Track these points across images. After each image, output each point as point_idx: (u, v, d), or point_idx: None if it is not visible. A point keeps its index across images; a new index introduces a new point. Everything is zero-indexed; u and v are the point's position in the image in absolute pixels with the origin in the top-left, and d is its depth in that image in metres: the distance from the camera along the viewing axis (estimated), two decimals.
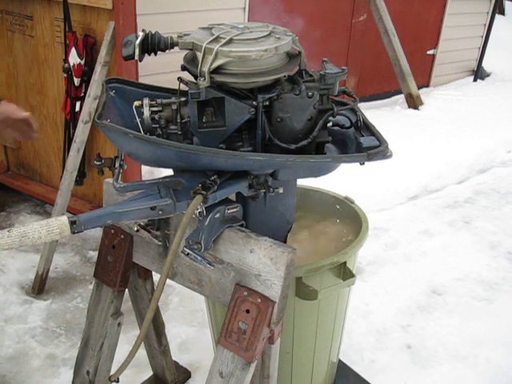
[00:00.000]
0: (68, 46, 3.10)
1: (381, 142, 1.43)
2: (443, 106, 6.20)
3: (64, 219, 1.24)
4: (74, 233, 1.25)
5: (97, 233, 3.55)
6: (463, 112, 6.05)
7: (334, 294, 1.86)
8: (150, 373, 2.36)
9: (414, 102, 6.04)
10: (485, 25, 7.44)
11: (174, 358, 2.32)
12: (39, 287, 3.13)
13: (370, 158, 1.38)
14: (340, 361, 2.36)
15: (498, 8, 7.75)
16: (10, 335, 2.80)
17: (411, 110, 6.02)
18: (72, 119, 3.29)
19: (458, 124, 5.67)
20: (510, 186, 4.72)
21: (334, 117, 1.49)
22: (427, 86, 7.08)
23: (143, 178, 3.31)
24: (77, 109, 3.20)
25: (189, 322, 2.89)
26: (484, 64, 7.70)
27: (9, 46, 3.70)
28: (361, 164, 1.42)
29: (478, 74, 7.62)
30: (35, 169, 3.99)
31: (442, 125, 5.61)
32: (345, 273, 1.80)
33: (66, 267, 3.39)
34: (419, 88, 6.24)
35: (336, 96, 1.50)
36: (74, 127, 3.21)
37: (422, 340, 2.80)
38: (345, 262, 1.78)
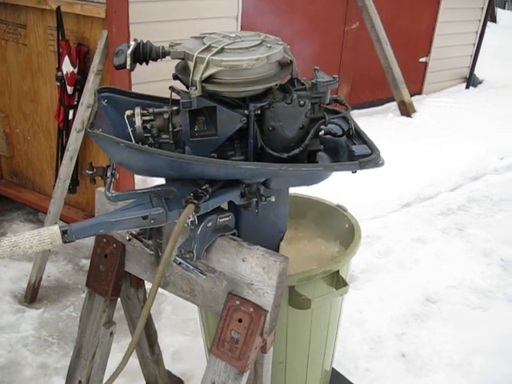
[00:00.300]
0: (61, 55, 3.10)
1: (373, 150, 1.43)
2: (436, 114, 6.23)
3: (55, 229, 1.23)
4: (65, 242, 1.25)
5: (89, 241, 3.52)
6: (456, 119, 6.08)
7: (327, 302, 1.85)
8: (142, 382, 2.35)
9: (406, 110, 6.07)
10: (477, 32, 7.49)
11: (166, 367, 2.31)
12: (32, 296, 3.12)
13: (362, 167, 1.38)
14: (334, 370, 2.35)
15: (490, 16, 7.81)
16: (2, 344, 2.78)
17: (404, 118, 6.05)
18: (65, 127, 3.28)
19: (450, 131, 5.69)
20: (503, 194, 4.74)
21: (325, 125, 1.49)
22: (420, 93, 7.11)
23: (136, 187, 3.31)
24: (70, 117, 3.20)
25: (182, 330, 2.88)
26: (476, 71, 7.75)
27: (2, 55, 3.69)
28: (353, 172, 1.42)
29: (471, 81, 7.67)
30: (28, 177, 3.98)
31: (434, 132, 5.64)
32: (338, 281, 1.79)
33: (58, 276, 3.37)
34: (412, 95, 6.27)
35: (328, 104, 1.50)
36: (67, 135, 3.21)
37: (417, 348, 2.80)
38: (338, 271, 1.78)
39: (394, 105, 6.24)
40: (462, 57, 7.59)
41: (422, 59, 6.98)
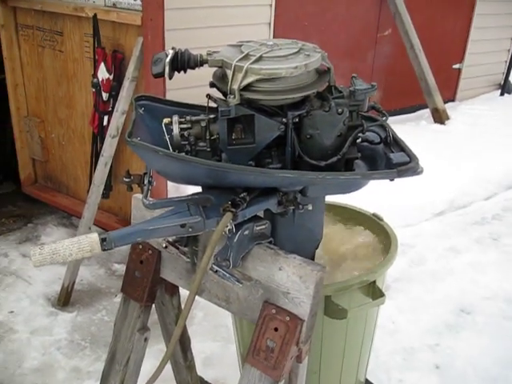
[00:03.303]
0: (97, 61, 3.15)
1: (411, 157, 1.40)
2: (470, 121, 6.14)
3: (94, 237, 1.24)
4: (104, 250, 1.25)
5: (122, 246, 3.57)
6: (490, 127, 5.98)
7: (362, 312, 1.83)
8: None
9: (440, 117, 6.00)
10: (511, 39, 7.38)
11: (198, 374, 2.31)
12: (65, 299, 3.16)
13: (400, 175, 1.36)
14: (367, 380, 2.32)
15: None
16: (35, 347, 2.82)
17: (437, 125, 5.98)
18: (100, 133, 3.33)
19: (484, 139, 5.61)
20: None
21: (363, 133, 1.48)
22: (453, 100, 7.02)
23: (169, 194, 3.33)
24: (104, 123, 3.24)
25: (213, 336, 2.88)
26: (510, 78, 7.63)
27: (39, 61, 3.76)
28: (390, 180, 1.41)
29: (505, 88, 7.55)
30: (62, 181, 4.03)
31: (468, 140, 5.55)
32: (374, 292, 1.77)
33: (91, 280, 3.41)
34: (445, 102, 6.20)
35: (365, 112, 1.49)
36: (102, 141, 3.24)
37: (451, 360, 2.75)
38: (374, 281, 1.76)
39: (426, 112, 6.17)
40: (497, 63, 7.48)
41: (456, 66, 6.89)
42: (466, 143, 5.46)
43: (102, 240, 1.25)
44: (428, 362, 2.74)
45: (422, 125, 5.98)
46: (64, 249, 1.22)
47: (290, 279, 1.38)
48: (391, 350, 2.79)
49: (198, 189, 1.47)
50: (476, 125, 6.03)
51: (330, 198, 1.77)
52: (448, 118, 6.05)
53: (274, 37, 4.61)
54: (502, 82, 7.60)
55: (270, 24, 4.64)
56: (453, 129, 5.88)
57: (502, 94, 7.53)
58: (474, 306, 3.19)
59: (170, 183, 3.34)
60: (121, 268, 3.43)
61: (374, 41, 5.84)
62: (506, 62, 7.55)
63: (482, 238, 4.01)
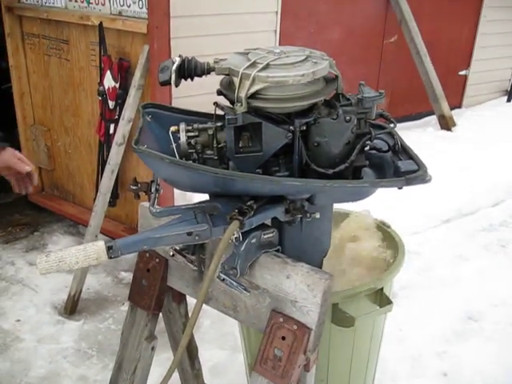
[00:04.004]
0: (103, 70, 3.15)
1: (419, 166, 1.39)
2: (476, 127, 6.13)
3: (101, 244, 1.24)
4: (110, 258, 1.25)
5: (129, 254, 3.57)
6: (497, 133, 5.96)
7: (370, 320, 1.83)
8: None
9: (446, 124, 5.98)
10: None
11: (205, 382, 2.30)
12: (71, 308, 3.16)
13: (409, 183, 1.35)
14: None
15: None
16: (42, 355, 2.82)
17: (444, 132, 5.97)
18: (106, 141, 3.33)
19: (492, 145, 5.58)
20: None
21: (371, 141, 1.47)
22: (459, 106, 7.01)
23: (176, 202, 3.33)
24: (111, 131, 3.25)
25: (220, 345, 2.87)
26: None
27: (45, 70, 3.78)
28: (399, 188, 1.40)
29: None
30: (69, 190, 4.04)
31: (475, 146, 5.54)
32: (381, 299, 1.76)
33: (98, 288, 3.41)
34: (451, 109, 6.18)
35: (373, 119, 1.48)
36: (108, 149, 3.25)
37: (459, 368, 2.73)
38: (381, 288, 1.75)
39: (433, 118, 6.15)
40: (503, 69, 7.47)
41: (462, 72, 6.88)
42: (472, 150, 5.44)
43: (109, 248, 1.24)
44: (435, 369, 2.73)
45: (429, 131, 5.97)
46: (70, 256, 1.21)
47: (298, 287, 1.37)
48: (398, 358, 2.77)
49: (205, 197, 1.47)
50: (483, 131, 6.01)
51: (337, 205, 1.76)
52: (455, 125, 6.04)
53: (279, 44, 4.62)
54: (509, 89, 7.58)
55: (276, 31, 4.65)
56: (460, 135, 5.86)
57: (508, 101, 7.51)
58: (481, 314, 3.17)
59: (176, 191, 3.33)
60: (128, 276, 3.43)
61: (380, 47, 5.84)
62: None
63: (489, 245, 3.99)
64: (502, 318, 3.14)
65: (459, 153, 5.33)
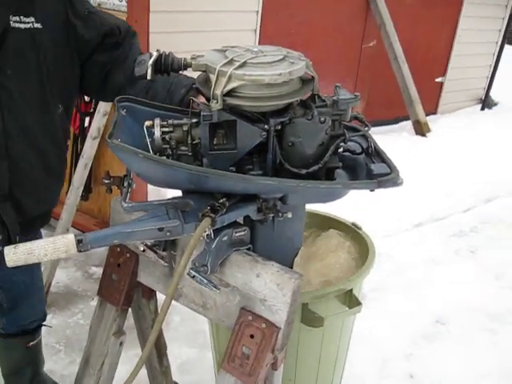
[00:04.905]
0: None
1: (392, 169, 1.41)
2: (450, 134, 6.22)
3: (70, 237, 1.23)
4: (80, 251, 1.24)
5: (100, 249, 3.54)
6: (470, 140, 6.06)
7: (339, 321, 1.84)
8: None
9: (421, 129, 6.06)
10: (494, 54, 7.49)
11: (174, 379, 2.29)
12: None
13: (381, 185, 1.37)
14: None
15: (508, 38, 7.80)
16: None
17: (418, 137, 6.05)
18: (80, 134, 3.30)
19: (464, 152, 5.68)
20: None
21: (345, 143, 1.48)
22: (435, 113, 7.10)
23: (149, 197, 3.31)
24: (86, 124, 3.22)
25: (190, 342, 2.86)
26: (492, 93, 7.73)
27: None
28: (371, 191, 1.41)
29: (486, 103, 7.65)
30: None
31: (448, 152, 5.62)
32: (351, 300, 1.78)
33: (67, 282, 3.37)
34: (427, 115, 6.26)
35: (348, 122, 1.49)
36: (82, 142, 3.22)
37: (426, 370, 2.76)
38: (351, 290, 1.76)
39: (408, 124, 6.23)
40: (478, 78, 7.59)
41: (438, 79, 6.98)
42: (446, 156, 5.53)
43: (78, 241, 1.23)
44: (403, 371, 2.76)
45: (404, 136, 6.04)
46: (39, 249, 1.20)
47: (268, 286, 1.37)
48: (367, 359, 2.80)
49: (179, 192, 1.46)
50: (456, 138, 6.10)
51: (310, 207, 1.77)
52: (429, 131, 6.12)
53: (259, 44, 4.62)
54: (483, 97, 7.70)
55: (255, 31, 4.66)
56: (434, 141, 5.94)
57: (482, 109, 7.63)
58: (449, 317, 3.22)
59: (150, 186, 3.32)
60: (98, 271, 3.40)
61: (359, 51, 5.89)
62: (487, 77, 7.65)
63: (459, 250, 4.05)
64: (470, 322, 3.19)
65: (433, 159, 5.40)
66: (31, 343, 2.19)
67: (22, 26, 1.54)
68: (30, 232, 1.79)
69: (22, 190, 1.68)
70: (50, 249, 1.22)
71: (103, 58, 1.71)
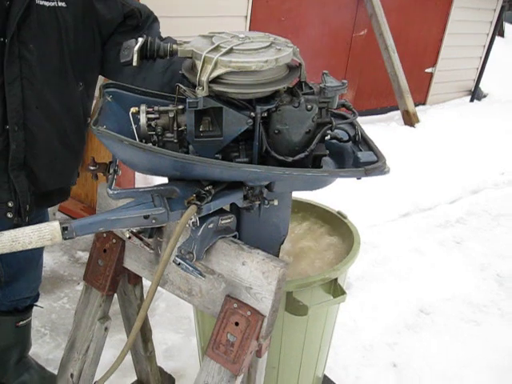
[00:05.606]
0: None
1: (379, 157, 1.41)
2: (439, 125, 6.23)
3: (56, 225, 1.22)
4: (65, 239, 1.23)
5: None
6: (459, 132, 6.09)
7: (323, 310, 1.84)
8: (134, 377, 2.33)
9: (410, 119, 6.07)
10: (484, 46, 7.50)
11: (158, 364, 2.30)
12: None
13: (368, 174, 1.35)
14: (325, 376, 2.34)
15: (498, 30, 7.82)
16: None
17: (407, 127, 6.05)
18: None
19: (452, 143, 5.70)
20: (502, 208, 4.74)
21: (332, 130, 1.48)
22: (424, 103, 7.12)
23: (136, 184, 3.30)
24: None
25: (175, 328, 2.87)
26: (481, 85, 7.75)
27: None
28: (357, 179, 1.41)
29: (475, 94, 7.67)
30: None
31: (437, 143, 5.64)
32: (335, 289, 1.78)
33: (53, 267, 3.36)
34: (416, 105, 6.27)
35: (335, 109, 1.49)
36: None
37: (408, 359, 2.79)
38: (336, 279, 1.77)
39: (397, 114, 6.23)
40: (468, 69, 7.60)
41: (428, 70, 6.98)
42: (434, 147, 5.54)
43: (64, 229, 1.23)
44: (386, 359, 2.78)
45: (392, 126, 6.04)
46: (24, 236, 1.20)
47: (253, 274, 1.38)
48: (350, 348, 2.82)
49: (165, 179, 1.46)
50: (445, 129, 6.12)
51: (297, 194, 1.77)
52: (418, 121, 6.13)
53: (250, 30, 4.60)
54: (473, 89, 7.72)
55: (246, 17, 4.63)
56: (422, 132, 5.95)
57: (471, 101, 7.65)
58: (433, 307, 3.25)
59: (137, 173, 3.31)
60: (84, 256, 3.40)
61: (349, 40, 5.88)
62: (477, 68, 7.67)
63: (445, 241, 4.08)
64: (453, 312, 3.22)
65: (420, 149, 5.42)
66: (21, 322, 2.20)
67: (47, 3, 1.59)
68: (45, 205, 1.90)
69: (37, 161, 1.74)
70: (35, 236, 1.21)
71: (123, 38, 1.71)
